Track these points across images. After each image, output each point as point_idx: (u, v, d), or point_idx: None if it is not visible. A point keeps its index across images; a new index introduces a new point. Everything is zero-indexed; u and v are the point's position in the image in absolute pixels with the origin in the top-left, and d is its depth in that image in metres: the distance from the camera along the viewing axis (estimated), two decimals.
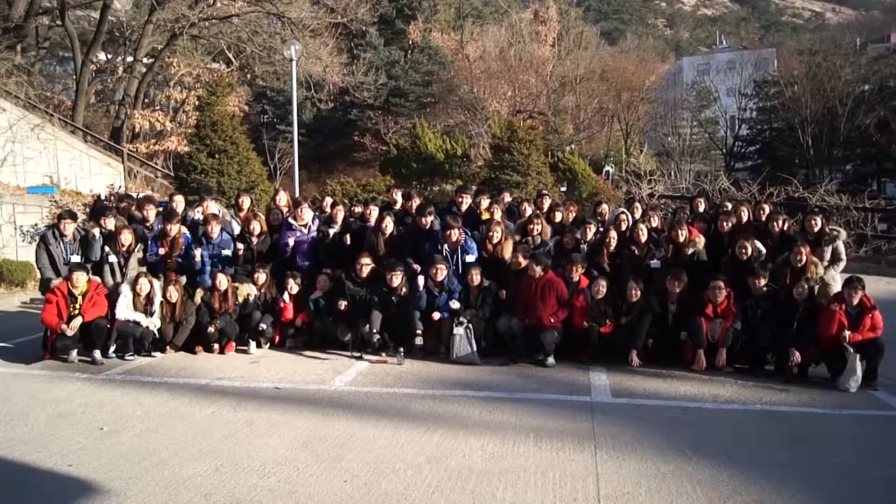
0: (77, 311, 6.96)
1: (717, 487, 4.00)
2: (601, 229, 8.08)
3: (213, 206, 8.60)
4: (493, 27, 38.92)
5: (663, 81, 46.00)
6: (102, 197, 9.28)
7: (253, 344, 7.60)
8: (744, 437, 4.94)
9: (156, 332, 7.29)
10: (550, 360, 7.01)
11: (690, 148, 36.04)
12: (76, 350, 7.08)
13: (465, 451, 4.55)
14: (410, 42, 40.58)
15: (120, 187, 17.73)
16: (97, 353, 7.02)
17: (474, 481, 4.04)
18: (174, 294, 7.35)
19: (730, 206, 8.31)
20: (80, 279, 7.02)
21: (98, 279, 7.41)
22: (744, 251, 7.07)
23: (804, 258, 6.78)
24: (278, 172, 30.57)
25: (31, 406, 5.55)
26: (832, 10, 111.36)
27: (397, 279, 7.28)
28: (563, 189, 21.49)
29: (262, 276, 7.71)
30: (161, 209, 8.49)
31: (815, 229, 7.33)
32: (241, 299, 7.54)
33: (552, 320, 7.02)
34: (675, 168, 27.56)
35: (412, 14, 41.01)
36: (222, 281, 7.45)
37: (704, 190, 20.06)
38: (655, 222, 8.25)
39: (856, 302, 6.31)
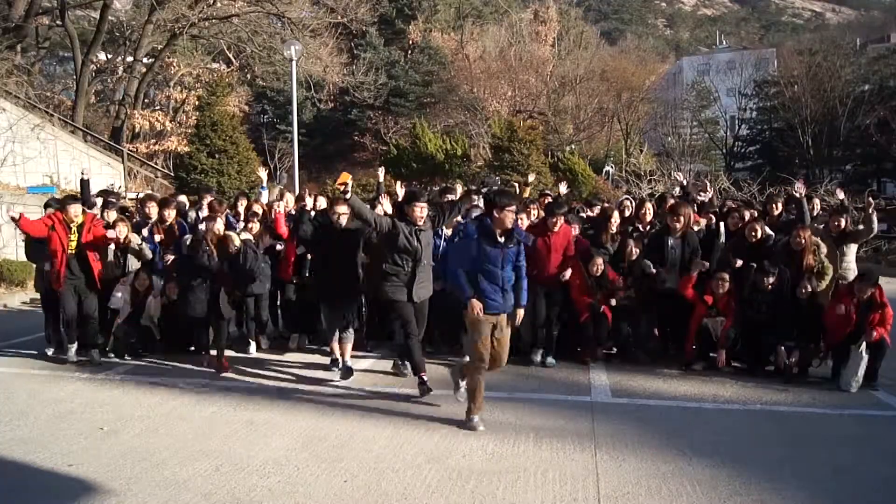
0: (76, 241, 6.75)
1: (717, 487, 4.00)
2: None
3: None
4: (493, 27, 38.96)
5: (663, 81, 46.01)
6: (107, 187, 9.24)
7: (253, 344, 7.61)
8: (744, 437, 4.94)
9: (156, 331, 7.28)
10: (550, 359, 7.01)
11: (690, 148, 35.95)
12: (74, 347, 7.03)
13: (465, 451, 4.55)
14: (410, 42, 40.57)
15: (120, 187, 17.73)
16: (95, 353, 6.99)
17: (474, 481, 4.04)
18: (173, 292, 7.34)
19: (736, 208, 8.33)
20: (76, 210, 6.84)
21: (93, 213, 7.26)
22: (754, 234, 7.04)
23: (804, 241, 6.78)
24: (278, 172, 30.58)
25: (31, 406, 5.55)
26: (832, 10, 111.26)
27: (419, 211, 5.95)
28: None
29: (255, 226, 7.48)
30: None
31: (840, 228, 7.38)
32: (236, 244, 6.77)
33: (557, 272, 6.71)
34: (674, 168, 27.52)
35: (412, 14, 40.99)
36: (220, 225, 6.80)
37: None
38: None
39: (867, 296, 6.31)
